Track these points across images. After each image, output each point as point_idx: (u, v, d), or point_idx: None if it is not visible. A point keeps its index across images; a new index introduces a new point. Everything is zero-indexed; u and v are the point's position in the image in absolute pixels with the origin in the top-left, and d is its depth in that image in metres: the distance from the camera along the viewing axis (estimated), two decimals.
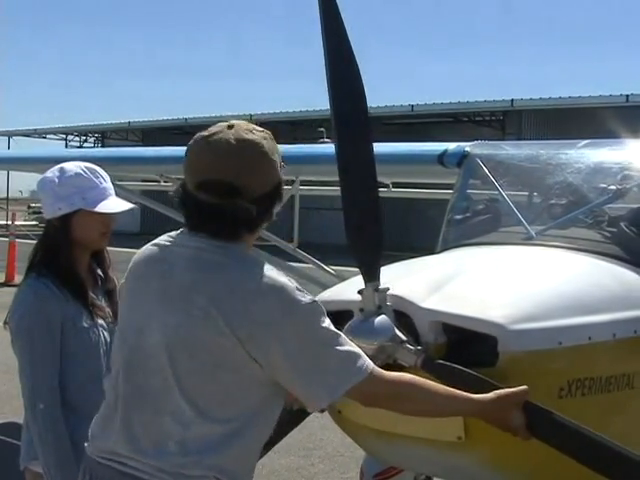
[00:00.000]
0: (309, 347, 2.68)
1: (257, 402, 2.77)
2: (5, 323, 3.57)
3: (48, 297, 3.48)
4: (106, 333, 3.62)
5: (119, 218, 3.69)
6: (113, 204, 3.64)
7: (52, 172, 3.61)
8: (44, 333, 3.45)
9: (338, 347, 2.70)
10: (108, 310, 3.67)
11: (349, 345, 2.74)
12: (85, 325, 3.55)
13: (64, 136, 51.30)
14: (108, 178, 3.68)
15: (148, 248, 2.88)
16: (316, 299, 2.75)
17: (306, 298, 2.68)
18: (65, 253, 3.56)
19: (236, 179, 2.69)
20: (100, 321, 3.62)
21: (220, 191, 2.69)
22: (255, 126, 2.82)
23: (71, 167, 3.61)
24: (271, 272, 2.71)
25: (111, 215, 3.63)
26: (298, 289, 2.69)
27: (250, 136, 2.75)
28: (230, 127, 2.76)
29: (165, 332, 2.68)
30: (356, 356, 2.73)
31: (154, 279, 2.77)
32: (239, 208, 2.71)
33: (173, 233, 2.86)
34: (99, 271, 3.76)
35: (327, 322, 2.71)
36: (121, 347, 2.83)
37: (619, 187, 4.86)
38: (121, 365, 2.80)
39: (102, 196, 3.60)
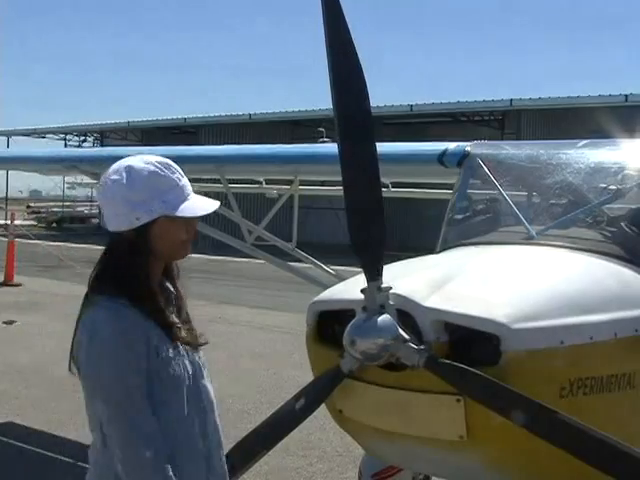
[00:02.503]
0: None
1: None
2: (72, 357, 2.92)
3: (131, 320, 2.82)
4: (188, 364, 2.97)
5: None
6: (198, 204, 2.98)
7: (117, 174, 2.89)
8: (134, 363, 2.78)
9: None
10: (185, 334, 2.99)
11: None
12: (170, 355, 2.89)
13: (63, 136, 51.31)
14: (182, 172, 3.02)
15: None
16: None
17: None
18: (143, 271, 2.90)
19: None
20: (182, 349, 2.95)
21: None
22: None
23: (141, 164, 2.90)
24: None
25: (195, 218, 3.00)
26: None
27: None
28: None
29: None
30: None
31: None
32: None
33: None
34: (168, 285, 3.10)
35: None
36: None
37: (619, 187, 4.87)
38: None
39: (183, 196, 2.93)
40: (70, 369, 2.90)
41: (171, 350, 2.88)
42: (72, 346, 2.89)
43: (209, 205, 2.99)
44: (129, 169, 2.87)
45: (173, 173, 2.93)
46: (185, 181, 2.97)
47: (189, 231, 2.98)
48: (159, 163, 2.92)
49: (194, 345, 3.02)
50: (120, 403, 2.74)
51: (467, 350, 3.32)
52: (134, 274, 2.87)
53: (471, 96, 33.92)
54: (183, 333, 2.96)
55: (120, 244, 2.89)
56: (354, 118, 3.34)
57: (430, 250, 4.81)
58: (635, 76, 76.74)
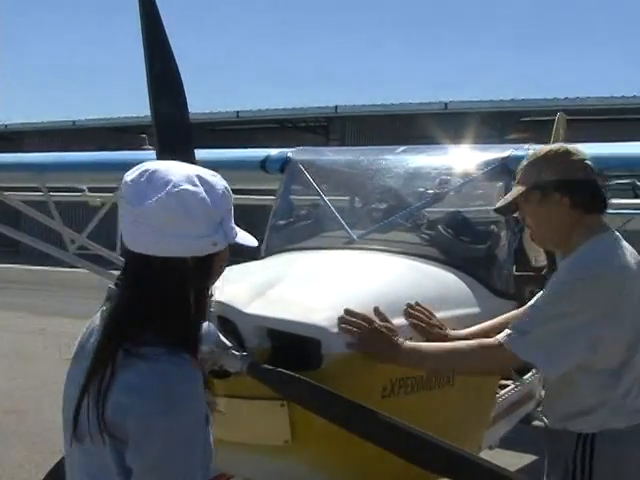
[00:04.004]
0: None
1: None
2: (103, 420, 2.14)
3: (202, 385, 2.26)
4: None
5: None
6: (242, 231, 2.40)
7: (192, 183, 2.20)
8: (205, 442, 2.28)
9: None
10: None
11: None
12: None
13: None
14: None
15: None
16: None
17: None
18: (203, 311, 2.35)
19: None
20: None
21: None
22: None
23: (208, 176, 2.27)
24: None
25: None
26: None
27: None
28: None
29: None
30: None
31: None
32: None
33: None
34: None
35: None
36: None
37: (437, 191, 5.02)
38: None
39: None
40: (102, 432, 2.13)
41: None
42: (99, 408, 2.13)
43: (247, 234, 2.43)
44: (202, 179, 2.23)
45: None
46: None
47: None
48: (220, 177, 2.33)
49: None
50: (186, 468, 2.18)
51: (290, 355, 3.33)
52: (198, 322, 2.31)
53: (297, 102, 34.24)
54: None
55: (173, 278, 2.20)
56: (171, 124, 3.31)
57: (254, 256, 4.82)
58: (455, 84, 79.44)
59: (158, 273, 2.18)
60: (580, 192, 3.41)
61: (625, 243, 3.44)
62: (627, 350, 3.29)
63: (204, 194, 2.18)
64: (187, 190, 2.16)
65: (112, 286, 2.30)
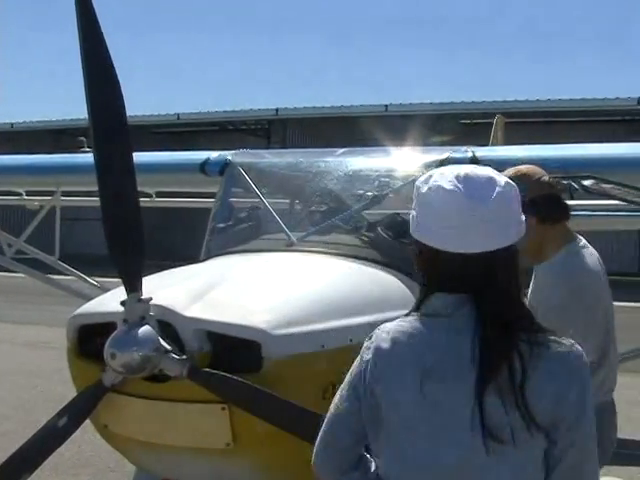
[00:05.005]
0: None
1: None
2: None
3: None
4: None
5: None
6: None
7: (501, 176, 2.30)
8: None
9: None
10: None
11: None
12: None
13: None
14: None
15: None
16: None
17: None
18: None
19: None
20: None
21: None
22: None
23: None
24: None
25: None
26: None
27: None
28: None
29: None
30: None
31: None
32: None
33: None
34: None
35: None
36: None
37: (376, 193, 5.04)
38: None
39: None
40: (529, 428, 2.14)
41: None
42: (520, 403, 2.14)
43: None
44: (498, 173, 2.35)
45: None
46: None
47: None
48: None
49: None
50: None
51: (231, 358, 3.33)
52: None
53: (238, 105, 34.14)
54: None
55: (516, 261, 2.33)
56: (109, 127, 3.29)
57: (195, 259, 4.81)
58: (396, 86, 79.86)
59: (507, 262, 2.28)
60: (544, 207, 3.53)
61: (590, 249, 3.58)
62: (602, 347, 3.43)
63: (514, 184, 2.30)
64: (507, 181, 2.27)
65: (440, 295, 2.32)
